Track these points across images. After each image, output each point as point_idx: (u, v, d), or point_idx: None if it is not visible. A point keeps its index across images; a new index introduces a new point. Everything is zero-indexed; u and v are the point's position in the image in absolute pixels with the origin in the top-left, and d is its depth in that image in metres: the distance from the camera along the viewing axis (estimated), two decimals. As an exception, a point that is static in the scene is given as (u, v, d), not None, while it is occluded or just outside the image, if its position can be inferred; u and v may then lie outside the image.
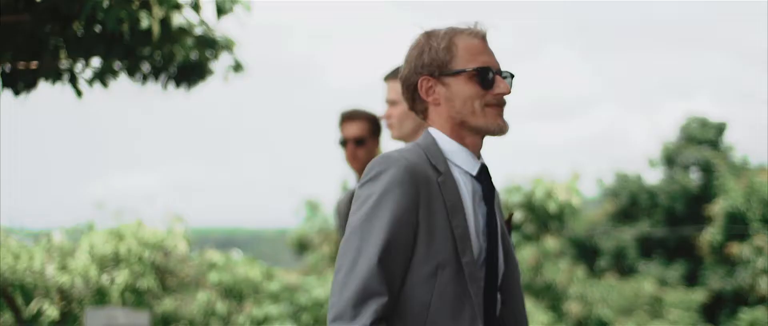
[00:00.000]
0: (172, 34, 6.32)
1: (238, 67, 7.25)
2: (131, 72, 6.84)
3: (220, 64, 7.14)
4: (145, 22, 6.03)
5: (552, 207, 20.05)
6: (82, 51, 6.47)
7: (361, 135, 4.69)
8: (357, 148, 4.73)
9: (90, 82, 6.59)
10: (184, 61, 6.84)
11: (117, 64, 6.68)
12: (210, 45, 6.85)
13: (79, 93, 6.50)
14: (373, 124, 4.73)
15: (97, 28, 6.17)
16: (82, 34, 6.26)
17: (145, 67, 6.93)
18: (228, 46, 7.11)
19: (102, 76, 6.63)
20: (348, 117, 4.79)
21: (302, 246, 21.75)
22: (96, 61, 6.58)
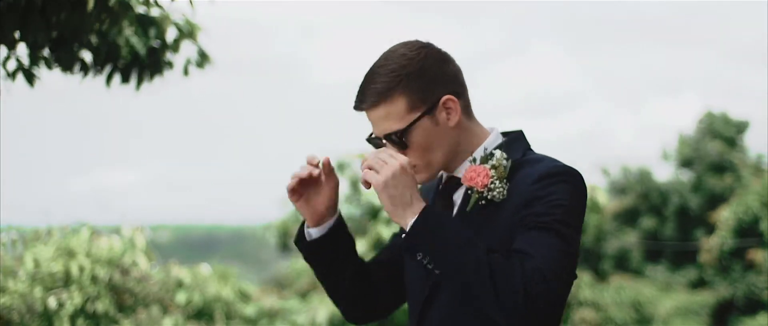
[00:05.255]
0: (110, 8, 4.80)
1: (202, 60, 5.83)
2: (66, 61, 5.40)
3: (182, 55, 5.79)
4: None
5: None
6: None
7: None
8: None
9: (13, 74, 5.28)
10: (127, 47, 5.48)
11: (45, 51, 5.33)
12: (156, 25, 5.57)
13: (30, 80, 5.28)
14: None
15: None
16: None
17: (87, 56, 5.56)
18: (191, 32, 5.71)
19: (28, 70, 5.30)
20: None
21: (284, 245, 20.09)
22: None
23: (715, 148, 27.13)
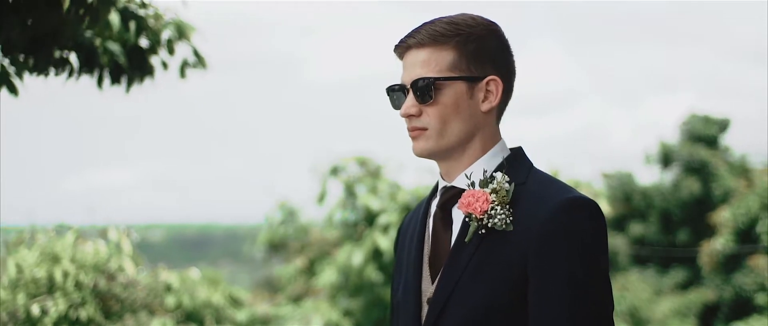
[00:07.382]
0: (89, 5, 4.44)
1: (198, 61, 5.56)
2: (43, 65, 5.02)
3: (177, 57, 5.48)
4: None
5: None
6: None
7: None
8: None
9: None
10: (107, 54, 5.16)
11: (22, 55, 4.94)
12: (138, 21, 5.22)
13: (13, 90, 4.95)
14: None
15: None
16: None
17: (72, 57, 5.21)
18: (184, 33, 5.43)
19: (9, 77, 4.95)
20: None
21: (275, 248, 19.74)
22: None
23: (692, 150, 26.85)
